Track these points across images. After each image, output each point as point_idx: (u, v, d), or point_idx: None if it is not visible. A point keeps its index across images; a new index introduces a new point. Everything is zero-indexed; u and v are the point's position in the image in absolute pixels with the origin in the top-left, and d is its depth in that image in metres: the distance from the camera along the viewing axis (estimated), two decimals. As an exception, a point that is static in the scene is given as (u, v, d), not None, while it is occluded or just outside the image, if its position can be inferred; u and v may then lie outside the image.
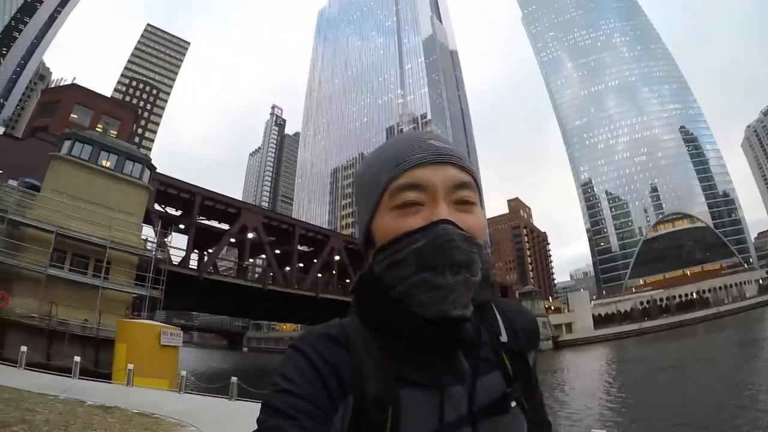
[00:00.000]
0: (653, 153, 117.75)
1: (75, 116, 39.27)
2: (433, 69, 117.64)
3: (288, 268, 45.47)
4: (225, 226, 40.69)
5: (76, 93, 40.97)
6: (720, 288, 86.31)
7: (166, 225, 31.37)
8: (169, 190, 34.47)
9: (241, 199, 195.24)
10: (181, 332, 17.61)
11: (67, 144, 23.73)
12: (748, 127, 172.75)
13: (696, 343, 43.22)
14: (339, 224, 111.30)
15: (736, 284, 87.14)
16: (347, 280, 50.08)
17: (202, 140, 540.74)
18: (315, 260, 46.40)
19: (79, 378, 12.39)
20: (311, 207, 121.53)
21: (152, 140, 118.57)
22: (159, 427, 7.42)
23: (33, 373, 12.25)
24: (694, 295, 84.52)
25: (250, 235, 39.75)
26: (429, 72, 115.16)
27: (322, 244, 48.10)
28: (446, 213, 0.73)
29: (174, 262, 31.83)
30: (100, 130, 33.19)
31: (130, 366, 12.41)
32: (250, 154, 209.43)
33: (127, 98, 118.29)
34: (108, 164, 24.93)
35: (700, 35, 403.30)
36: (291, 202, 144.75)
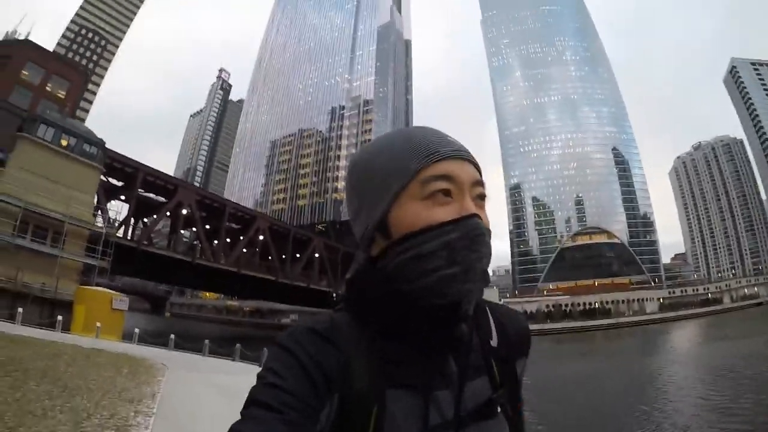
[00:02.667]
0: (583, 168, 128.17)
1: (26, 73, 41.07)
2: (385, 56, 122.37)
3: (216, 242, 51.21)
4: (162, 199, 45.97)
5: (29, 50, 42.34)
6: (623, 301, 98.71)
7: (110, 195, 36.41)
8: (115, 164, 39.21)
9: (176, 160, 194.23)
10: (127, 298, 23.65)
11: (37, 127, 28.52)
12: (678, 158, 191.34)
13: (586, 346, 52.52)
14: (271, 198, 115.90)
15: (638, 300, 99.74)
16: (269, 257, 55.90)
17: (147, 94, 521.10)
18: (242, 237, 52.38)
19: (47, 330, 18.27)
20: (246, 178, 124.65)
21: (95, 93, 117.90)
22: (140, 363, 12.98)
23: (22, 326, 18.00)
24: (597, 305, 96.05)
25: (185, 211, 45.19)
26: (380, 58, 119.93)
27: (249, 223, 53.97)
28: (474, 208, 0.76)
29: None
30: (50, 89, 37.55)
31: (98, 324, 18.55)
32: (192, 115, 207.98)
33: (75, 46, 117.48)
34: (66, 144, 29.95)
35: (648, 68, 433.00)
36: (226, 170, 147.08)
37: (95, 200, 32.42)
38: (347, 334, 0.76)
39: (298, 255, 59.35)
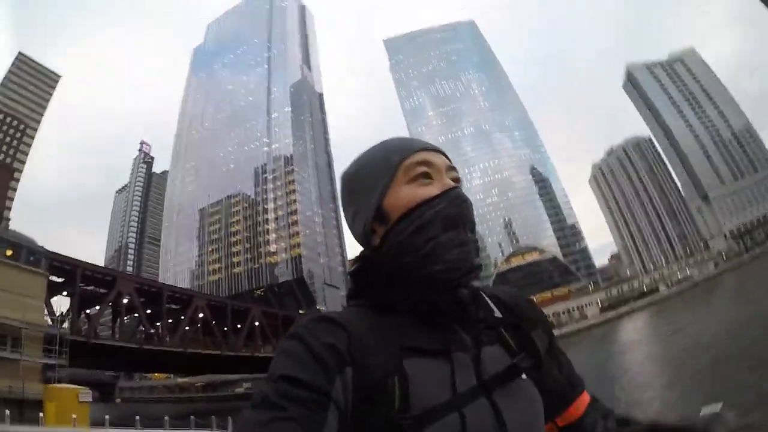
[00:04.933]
0: (505, 193, 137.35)
1: None
2: (301, 114, 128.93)
3: (159, 323, 54.28)
4: (102, 290, 49.05)
5: None
6: (563, 312, 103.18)
7: (52, 291, 39.58)
8: (55, 262, 42.42)
9: (107, 238, 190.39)
10: (90, 391, 27.41)
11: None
12: (594, 165, 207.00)
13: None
14: (207, 269, 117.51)
15: (578, 307, 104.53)
16: (212, 332, 58.71)
17: (70, 173, 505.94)
18: (182, 317, 55.70)
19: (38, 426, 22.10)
20: (179, 252, 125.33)
21: (18, 180, 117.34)
22: None
23: (12, 425, 21.71)
24: None
25: (125, 300, 48.50)
26: (296, 117, 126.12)
27: (188, 302, 57.38)
28: (453, 184, 0.93)
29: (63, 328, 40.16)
30: None
31: (74, 416, 22.56)
32: (117, 192, 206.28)
33: None
34: (11, 254, 33.58)
35: (553, 88, 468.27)
36: (158, 244, 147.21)
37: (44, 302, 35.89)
38: (357, 317, 0.85)
39: (239, 326, 62.61)
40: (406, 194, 0.91)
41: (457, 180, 0.95)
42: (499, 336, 0.91)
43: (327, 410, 0.69)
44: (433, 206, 0.88)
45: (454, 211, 0.88)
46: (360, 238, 0.98)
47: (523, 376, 0.85)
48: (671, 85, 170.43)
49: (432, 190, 0.90)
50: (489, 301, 0.98)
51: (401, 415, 0.72)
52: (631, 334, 55.15)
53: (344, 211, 1.01)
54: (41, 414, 22.79)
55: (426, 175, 0.92)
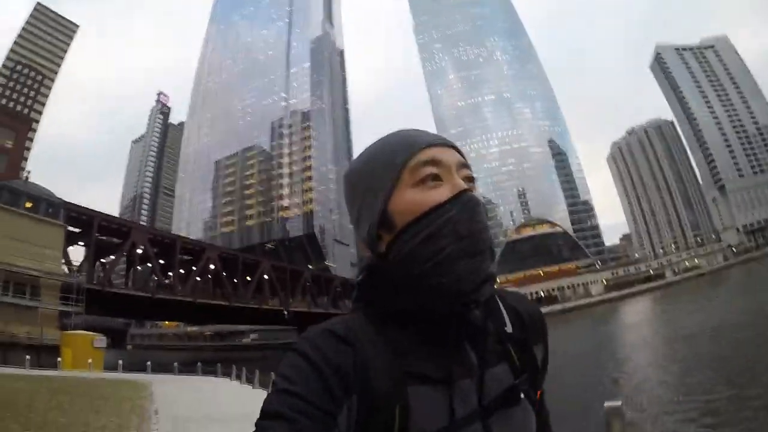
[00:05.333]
0: (522, 163, 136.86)
1: None
2: (320, 69, 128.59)
3: (171, 273, 56.51)
4: (117, 240, 51.05)
5: None
6: (568, 287, 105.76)
7: (70, 241, 41.52)
8: (72, 213, 44.25)
9: (122, 188, 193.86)
10: (104, 338, 29.41)
11: (3, 195, 33.83)
12: (614, 143, 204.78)
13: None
14: (220, 221, 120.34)
15: (582, 284, 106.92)
16: (222, 284, 61.16)
17: (87, 123, 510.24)
18: (194, 268, 57.89)
19: (56, 370, 24.06)
20: (193, 203, 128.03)
21: (35, 130, 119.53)
22: (133, 384, 19.34)
23: (32, 369, 23.63)
24: (543, 293, 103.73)
25: (139, 251, 50.51)
26: (315, 72, 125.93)
27: (200, 254, 59.45)
28: (464, 185, 0.83)
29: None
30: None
31: (90, 360, 24.46)
32: (134, 141, 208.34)
33: (11, 83, 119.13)
34: (30, 206, 35.28)
35: (578, 61, 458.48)
36: (173, 195, 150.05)
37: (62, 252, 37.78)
38: (363, 334, 0.80)
39: (248, 278, 64.77)
40: (412, 199, 0.83)
41: (469, 179, 0.88)
42: (506, 353, 0.88)
43: (333, 429, 0.69)
44: (443, 213, 0.80)
45: (466, 217, 0.81)
46: (365, 243, 0.91)
47: (522, 395, 0.84)
48: (699, 71, 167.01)
49: (441, 193, 0.82)
50: (504, 312, 0.94)
51: None
52: (632, 316, 56.01)
53: (348, 211, 0.95)
54: (59, 359, 24.77)
55: (434, 176, 0.84)
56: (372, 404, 0.73)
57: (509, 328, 0.91)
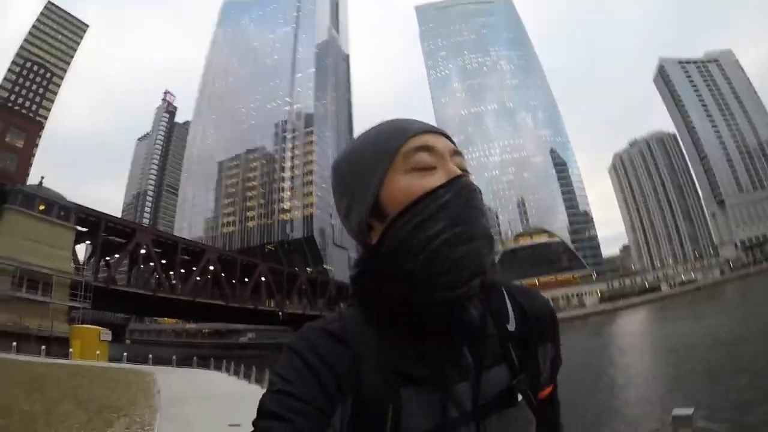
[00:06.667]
0: (522, 172, 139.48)
1: None
2: (325, 74, 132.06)
3: (172, 273, 59.64)
4: (121, 240, 54.19)
5: None
6: (562, 297, 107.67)
7: (76, 240, 44.59)
8: (80, 214, 47.31)
9: (126, 184, 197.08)
10: (110, 331, 32.52)
11: (20, 198, 36.95)
12: (616, 154, 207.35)
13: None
14: (221, 221, 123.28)
15: (577, 294, 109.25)
16: (220, 284, 64.23)
17: (93, 118, 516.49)
18: (194, 268, 60.99)
19: (68, 360, 27.09)
20: (196, 202, 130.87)
21: (42, 127, 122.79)
22: (138, 372, 22.49)
23: (46, 357, 26.66)
24: None
25: (142, 251, 53.64)
26: (320, 77, 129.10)
27: (200, 255, 62.59)
28: (458, 171, 0.82)
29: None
30: (9, 140, 44.88)
31: (98, 352, 27.53)
32: (139, 139, 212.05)
33: (21, 80, 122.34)
34: (43, 208, 38.40)
35: (582, 71, 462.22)
36: (176, 193, 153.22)
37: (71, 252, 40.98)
38: (358, 332, 0.79)
39: (246, 279, 67.82)
40: (405, 185, 0.80)
41: (462, 168, 0.85)
42: (506, 353, 0.85)
43: (328, 429, 0.69)
44: (437, 198, 0.77)
45: (461, 202, 0.78)
46: (355, 235, 0.88)
47: (519, 397, 0.82)
48: (702, 85, 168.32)
49: (435, 179, 0.80)
50: (509, 309, 0.90)
51: None
52: (625, 327, 58.01)
53: (337, 204, 0.91)
54: (70, 350, 27.85)
55: (428, 163, 0.81)
56: (365, 405, 0.73)
57: (512, 326, 0.88)
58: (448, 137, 0.87)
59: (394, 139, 0.83)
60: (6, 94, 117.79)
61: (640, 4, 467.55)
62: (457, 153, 0.85)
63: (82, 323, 35.77)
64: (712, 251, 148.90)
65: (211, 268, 62.47)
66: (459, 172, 0.81)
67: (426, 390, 0.76)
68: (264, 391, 0.74)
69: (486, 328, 0.84)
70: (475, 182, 0.83)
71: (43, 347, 26.39)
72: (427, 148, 0.82)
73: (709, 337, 29.74)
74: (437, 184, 0.79)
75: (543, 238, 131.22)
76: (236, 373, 21.43)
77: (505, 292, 0.92)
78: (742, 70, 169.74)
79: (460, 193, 0.78)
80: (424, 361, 0.78)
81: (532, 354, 0.89)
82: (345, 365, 0.75)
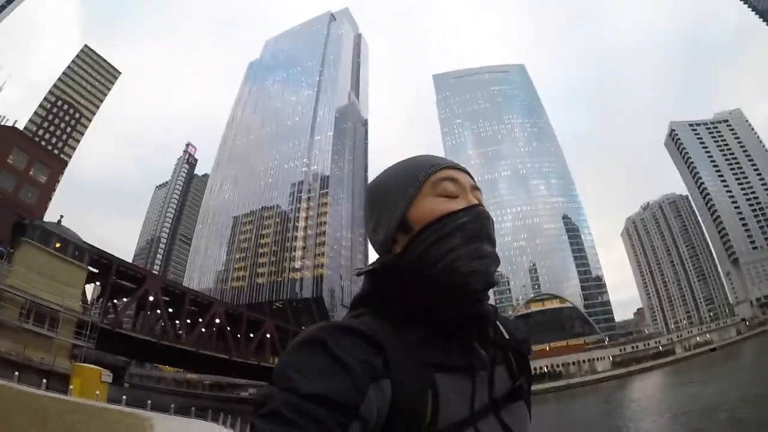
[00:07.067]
0: (535, 238, 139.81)
1: (12, 158, 46.06)
2: (343, 137, 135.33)
3: (178, 322, 59.63)
4: (131, 285, 54.71)
5: (16, 136, 48.25)
6: (573, 363, 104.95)
7: (87, 279, 45.12)
8: (93, 255, 47.93)
9: (141, 229, 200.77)
10: (111, 373, 32.42)
11: (37, 233, 37.89)
12: (628, 218, 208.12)
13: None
14: (231, 275, 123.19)
15: (588, 360, 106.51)
16: (225, 337, 63.93)
17: (114, 162, 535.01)
18: (200, 320, 60.99)
19: (68, 396, 27.04)
20: (207, 254, 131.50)
21: (66, 165, 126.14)
22: (137, 416, 22.47)
23: (47, 391, 26.67)
24: (546, 369, 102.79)
25: (151, 298, 53.98)
26: (338, 140, 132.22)
27: (207, 307, 62.76)
28: (477, 201, 0.98)
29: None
30: (32, 174, 46.09)
31: (97, 392, 27.45)
32: (158, 186, 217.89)
33: (50, 117, 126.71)
34: (59, 246, 39.24)
35: (595, 137, 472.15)
36: (189, 242, 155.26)
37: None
38: (381, 329, 0.83)
39: (251, 335, 67.63)
40: (431, 206, 0.94)
41: (480, 200, 1.00)
42: (505, 357, 0.98)
43: (347, 429, 0.67)
44: (457, 219, 0.91)
45: (476, 225, 0.92)
46: (380, 247, 1.01)
47: (521, 395, 0.94)
48: (713, 146, 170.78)
49: (456, 204, 0.94)
50: (498, 323, 1.03)
51: (431, 429, 0.76)
52: (637, 392, 57.28)
53: (366, 221, 1.04)
54: (71, 387, 27.78)
55: (451, 191, 0.96)
56: (403, 391, 0.75)
57: (506, 335, 1.04)
58: (469, 174, 1.03)
59: (424, 169, 0.98)
60: (34, 128, 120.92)
61: (650, 70, 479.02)
62: (476, 188, 1.01)
63: (84, 361, 35.68)
64: (727, 311, 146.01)
65: (218, 321, 62.42)
66: (477, 202, 0.97)
67: (457, 376, 0.84)
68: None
69: (491, 332, 0.97)
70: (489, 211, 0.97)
71: (44, 380, 26.39)
72: (452, 179, 0.97)
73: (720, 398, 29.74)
74: (458, 208, 0.94)
75: (555, 304, 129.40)
76: (232, 426, 21.40)
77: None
78: (752, 128, 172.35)
79: (476, 218, 0.93)
80: (450, 351, 0.87)
81: (525, 360, 1.03)
82: (377, 355, 0.76)
